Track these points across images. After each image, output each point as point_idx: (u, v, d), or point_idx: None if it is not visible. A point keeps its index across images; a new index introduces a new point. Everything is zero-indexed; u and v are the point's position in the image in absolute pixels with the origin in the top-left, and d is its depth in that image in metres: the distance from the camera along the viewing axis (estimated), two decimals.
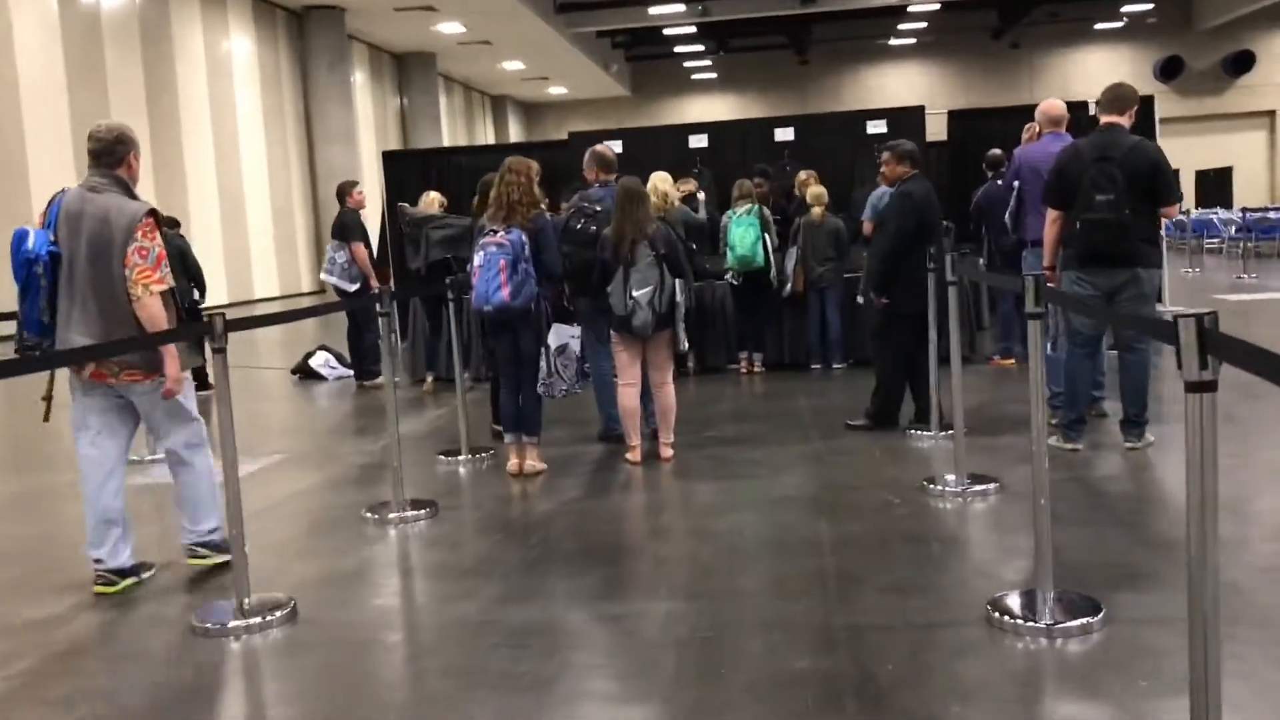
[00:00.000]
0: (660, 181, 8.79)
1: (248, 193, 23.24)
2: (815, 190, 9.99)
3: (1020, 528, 4.92)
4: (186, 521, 4.79)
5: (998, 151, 9.90)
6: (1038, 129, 6.91)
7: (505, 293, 5.95)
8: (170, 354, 4.50)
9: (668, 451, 6.53)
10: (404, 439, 7.49)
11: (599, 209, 6.87)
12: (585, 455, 6.81)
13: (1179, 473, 5.81)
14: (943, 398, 6.73)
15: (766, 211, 9.84)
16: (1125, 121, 5.96)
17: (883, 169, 7.38)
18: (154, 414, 4.67)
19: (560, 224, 8.33)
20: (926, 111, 13.03)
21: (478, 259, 6.04)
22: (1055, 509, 5.01)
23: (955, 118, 14.24)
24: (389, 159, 14.38)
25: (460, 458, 6.88)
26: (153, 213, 4.50)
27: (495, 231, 6.07)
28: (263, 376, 11.88)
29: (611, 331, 6.45)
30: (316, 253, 24.81)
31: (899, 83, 36.78)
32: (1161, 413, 6.84)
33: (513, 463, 6.38)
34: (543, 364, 6.17)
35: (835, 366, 9.92)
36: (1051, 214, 6.10)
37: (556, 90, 38.31)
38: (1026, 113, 14.44)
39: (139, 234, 4.42)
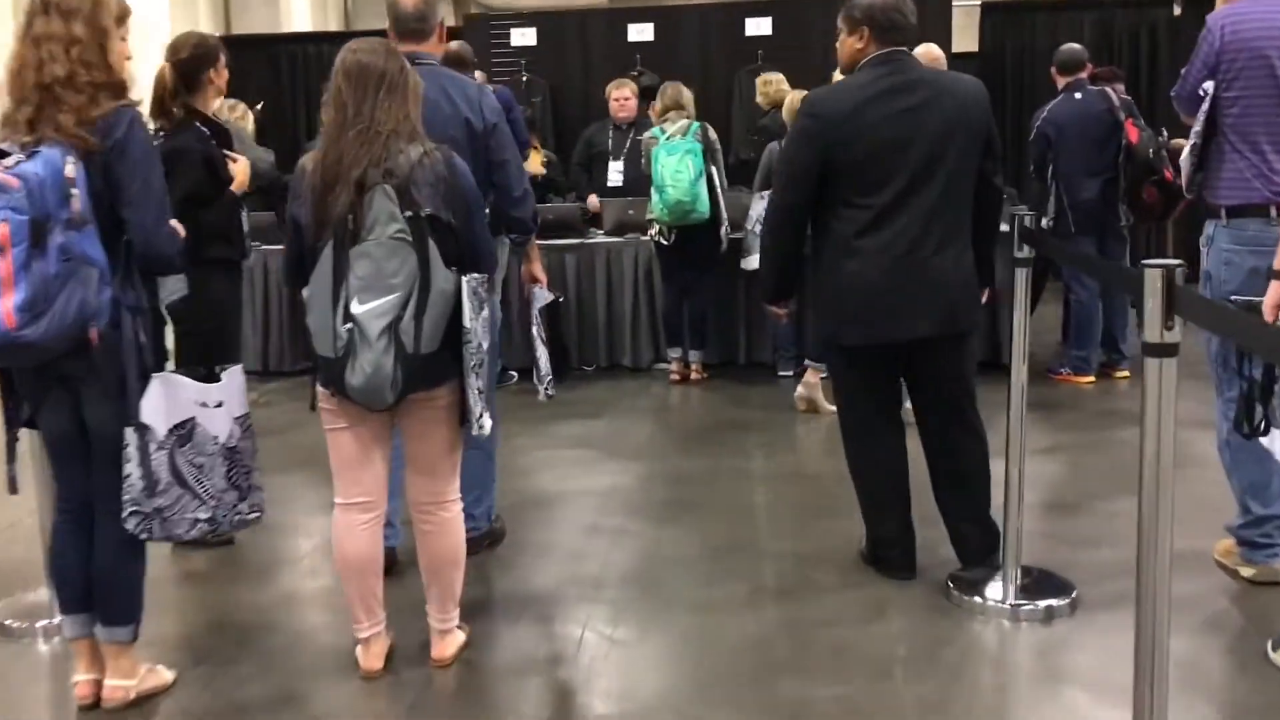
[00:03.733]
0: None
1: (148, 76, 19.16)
2: (797, 99, 6.36)
3: None
4: None
5: (1077, 48, 6.28)
6: None
7: (7, 306, 2.40)
8: None
9: (447, 647, 3.01)
10: None
11: None
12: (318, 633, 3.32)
13: None
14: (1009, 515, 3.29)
15: (712, 132, 6.23)
16: None
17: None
18: None
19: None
20: (954, 4, 9.40)
21: None
22: None
23: (991, 14, 10.58)
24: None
25: (41, 624, 3.36)
26: None
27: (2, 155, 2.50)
28: None
29: (319, 387, 2.90)
30: None
31: None
32: None
33: (81, 682, 2.86)
34: (134, 468, 2.64)
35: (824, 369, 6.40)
36: None
37: None
38: (1090, 8, 10.99)
39: None
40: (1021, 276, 3.20)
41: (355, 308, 2.66)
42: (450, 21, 17.09)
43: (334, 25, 18.19)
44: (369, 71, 2.78)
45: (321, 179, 2.73)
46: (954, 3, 9.34)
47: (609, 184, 7.39)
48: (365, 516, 2.89)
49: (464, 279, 2.73)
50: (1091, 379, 6.17)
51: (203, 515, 2.74)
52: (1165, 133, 5.86)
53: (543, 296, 3.75)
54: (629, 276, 6.77)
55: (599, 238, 6.94)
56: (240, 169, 3.88)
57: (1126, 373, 6.27)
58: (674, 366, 6.53)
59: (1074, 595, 3.27)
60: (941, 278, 3.31)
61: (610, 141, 7.46)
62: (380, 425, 2.88)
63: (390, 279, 2.66)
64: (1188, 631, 3.09)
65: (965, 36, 10.64)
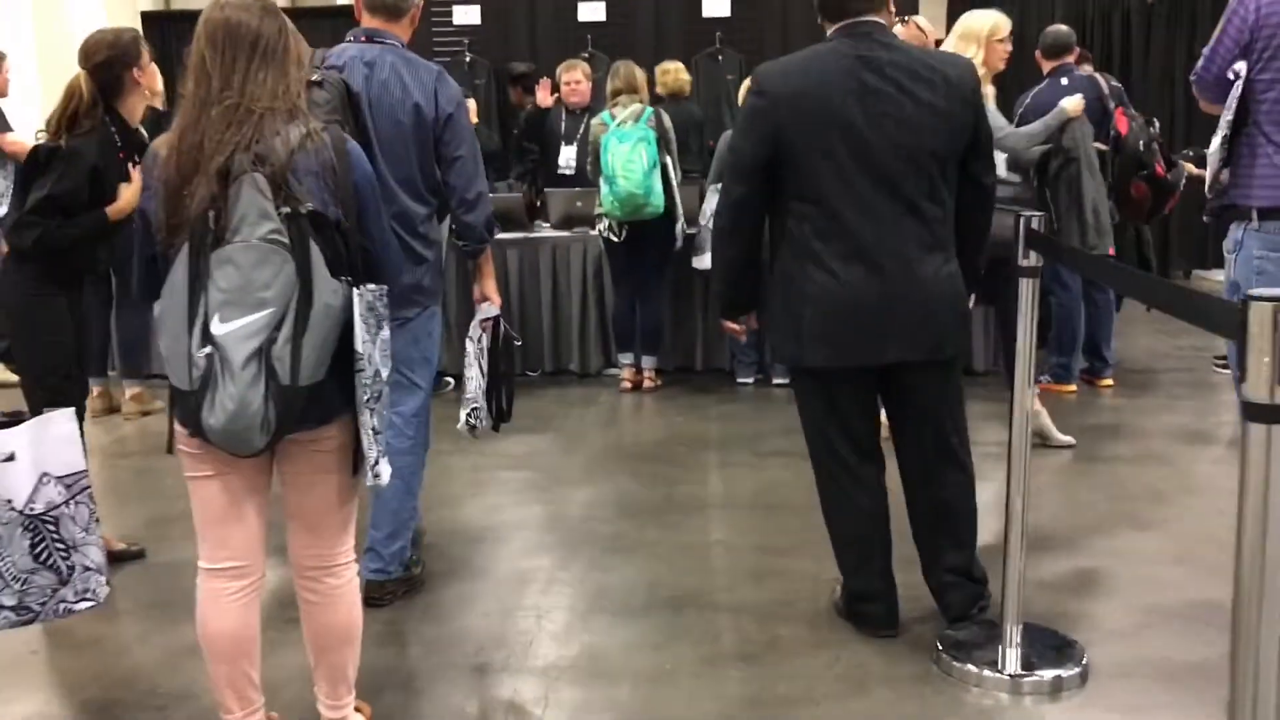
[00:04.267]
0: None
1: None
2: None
3: None
4: None
5: (1064, 29, 5.81)
6: None
7: None
8: None
9: None
10: None
11: (318, 81, 2.83)
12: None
13: None
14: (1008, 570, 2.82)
15: (666, 118, 5.72)
16: None
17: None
18: None
19: None
20: None
21: None
22: None
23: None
24: (150, 23, 9.96)
25: None
26: None
27: None
28: None
29: (178, 424, 2.35)
30: None
31: None
32: None
33: None
34: None
35: (778, 382, 5.90)
36: None
37: None
38: None
39: None
40: (1028, 288, 2.72)
41: (216, 327, 2.12)
42: None
43: (281, 0, 17.48)
44: (239, 33, 2.23)
45: (177, 169, 2.19)
46: None
47: (560, 170, 6.89)
48: (236, 585, 2.34)
49: (356, 291, 2.20)
50: (1073, 388, 5.73)
51: (6, 601, 2.19)
52: (1156, 124, 5.43)
53: (489, 310, 3.32)
54: (577, 275, 6.25)
55: (545, 232, 6.42)
56: (128, 193, 3.40)
57: (1110, 381, 5.86)
58: (625, 373, 6.03)
59: (1084, 662, 2.80)
60: (921, 293, 2.82)
61: (563, 125, 6.94)
62: (255, 473, 2.33)
63: (260, 291, 2.12)
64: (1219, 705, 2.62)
65: (932, 25, 10.19)
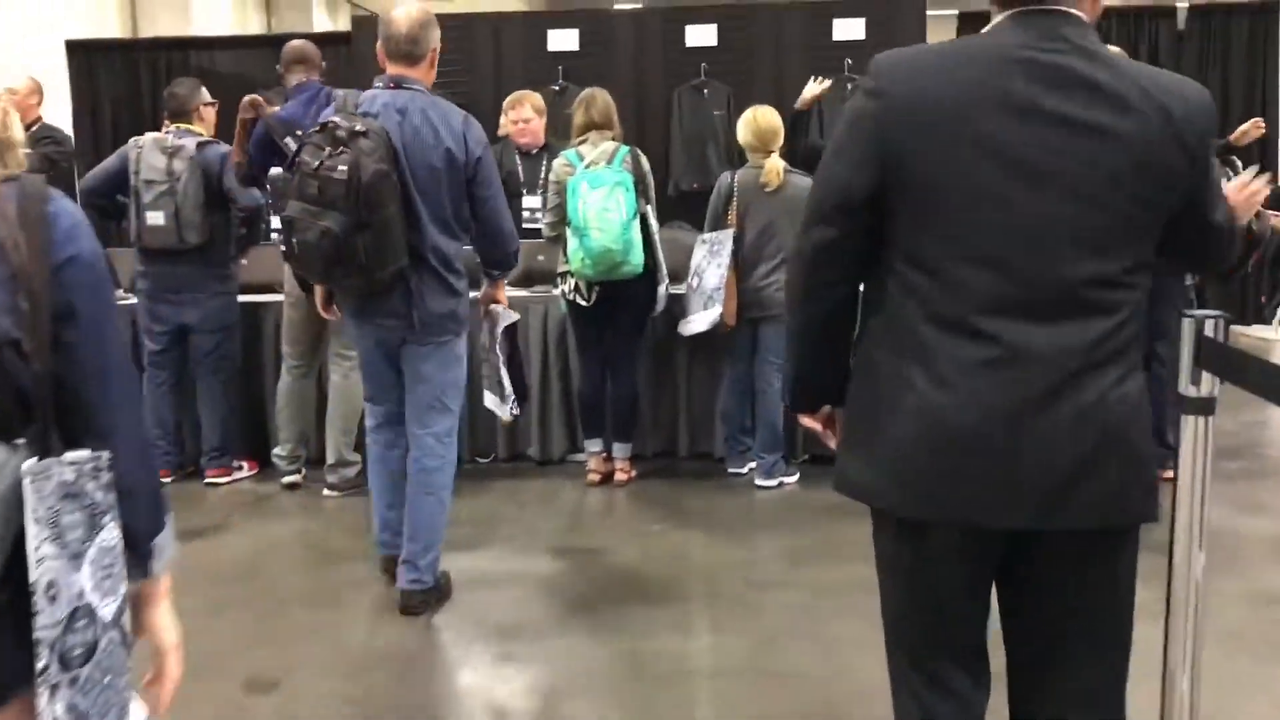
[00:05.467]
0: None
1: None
2: (765, 122, 4.86)
3: None
4: None
5: (1117, 51, 4.85)
6: None
7: None
8: None
9: None
10: None
11: (363, 131, 3.24)
12: None
13: None
14: None
15: (644, 159, 4.74)
16: None
17: None
18: None
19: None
20: (928, 12, 8.07)
21: None
22: None
23: (969, 24, 9.22)
24: (75, 53, 8.99)
25: None
26: None
27: None
28: None
29: None
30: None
31: None
32: None
33: None
34: None
35: (776, 477, 4.88)
36: None
37: None
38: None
39: None
40: (1196, 429, 1.73)
41: None
42: (341, 25, 15.17)
43: (254, 28, 16.32)
44: None
45: None
46: (929, 11, 8.02)
47: (523, 224, 5.81)
48: None
49: (31, 468, 1.19)
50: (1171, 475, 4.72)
51: None
52: (1239, 164, 4.49)
53: (507, 316, 3.80)
54: (536, 341, 5.23)
55: None
56: None
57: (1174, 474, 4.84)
58: (592, 463, 4.99)
59: None
60: (1085, 423, 1.71)
61: (521, 171, 5.88)
62: None
63: None
64: None
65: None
